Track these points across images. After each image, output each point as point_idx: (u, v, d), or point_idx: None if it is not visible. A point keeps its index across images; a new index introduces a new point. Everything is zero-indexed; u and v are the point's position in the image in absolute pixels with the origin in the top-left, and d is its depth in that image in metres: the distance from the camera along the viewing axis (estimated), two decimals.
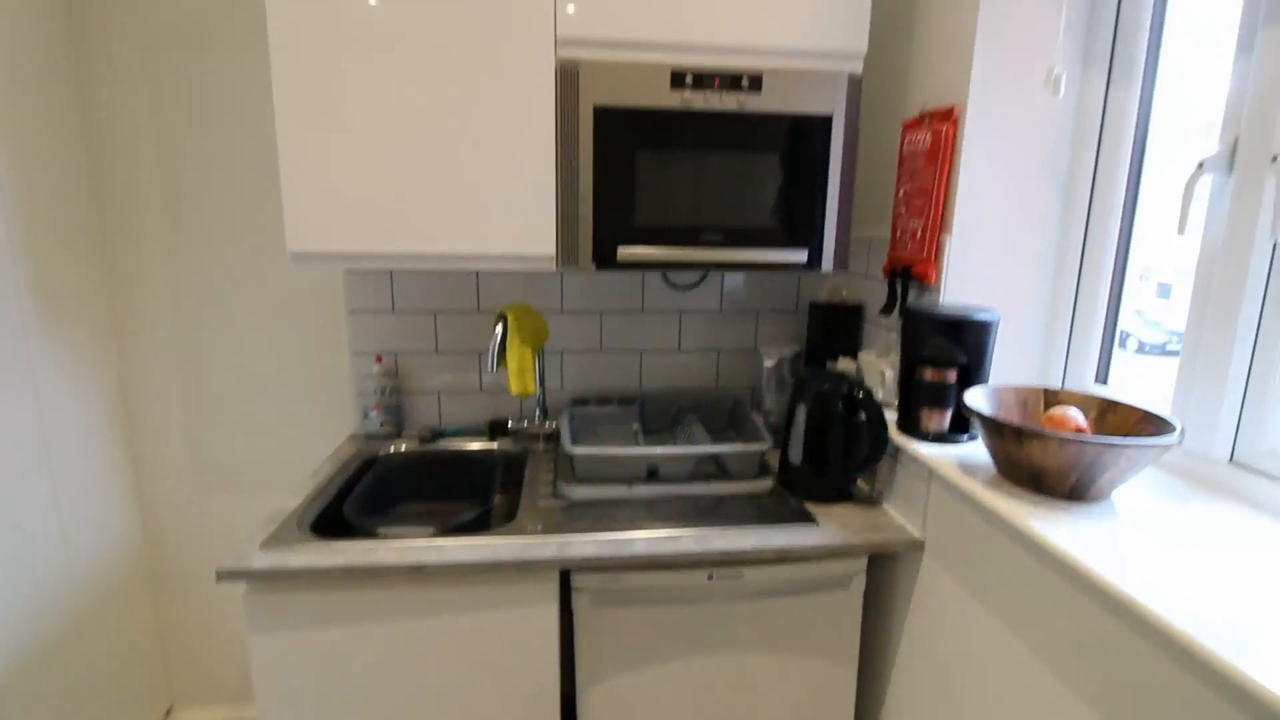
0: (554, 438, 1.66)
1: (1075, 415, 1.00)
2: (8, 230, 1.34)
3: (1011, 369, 1.34)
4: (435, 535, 1.19)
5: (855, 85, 1.31)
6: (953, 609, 1.12)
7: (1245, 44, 0.95)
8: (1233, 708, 0.64)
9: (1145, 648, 0.74)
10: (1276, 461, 0.94)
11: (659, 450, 1.39)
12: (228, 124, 1.57)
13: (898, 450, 1.27)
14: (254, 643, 1.11)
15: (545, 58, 1.25)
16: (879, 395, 1.37)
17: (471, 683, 1.18)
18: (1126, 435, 1.00)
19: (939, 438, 1.20)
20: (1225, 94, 0.98)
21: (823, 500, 1.33)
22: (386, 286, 1.66)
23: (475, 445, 1.64)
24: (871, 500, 1.35)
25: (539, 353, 1.62)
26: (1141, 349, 1.32)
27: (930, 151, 1.27)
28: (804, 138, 1.31)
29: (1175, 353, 1.06)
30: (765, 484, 1.38)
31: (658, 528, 1.22)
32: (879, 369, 1.39)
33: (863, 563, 1.25)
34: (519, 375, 1.45)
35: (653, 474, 1.39)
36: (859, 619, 1.28)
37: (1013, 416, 1.10)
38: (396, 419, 1.68)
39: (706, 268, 1.38)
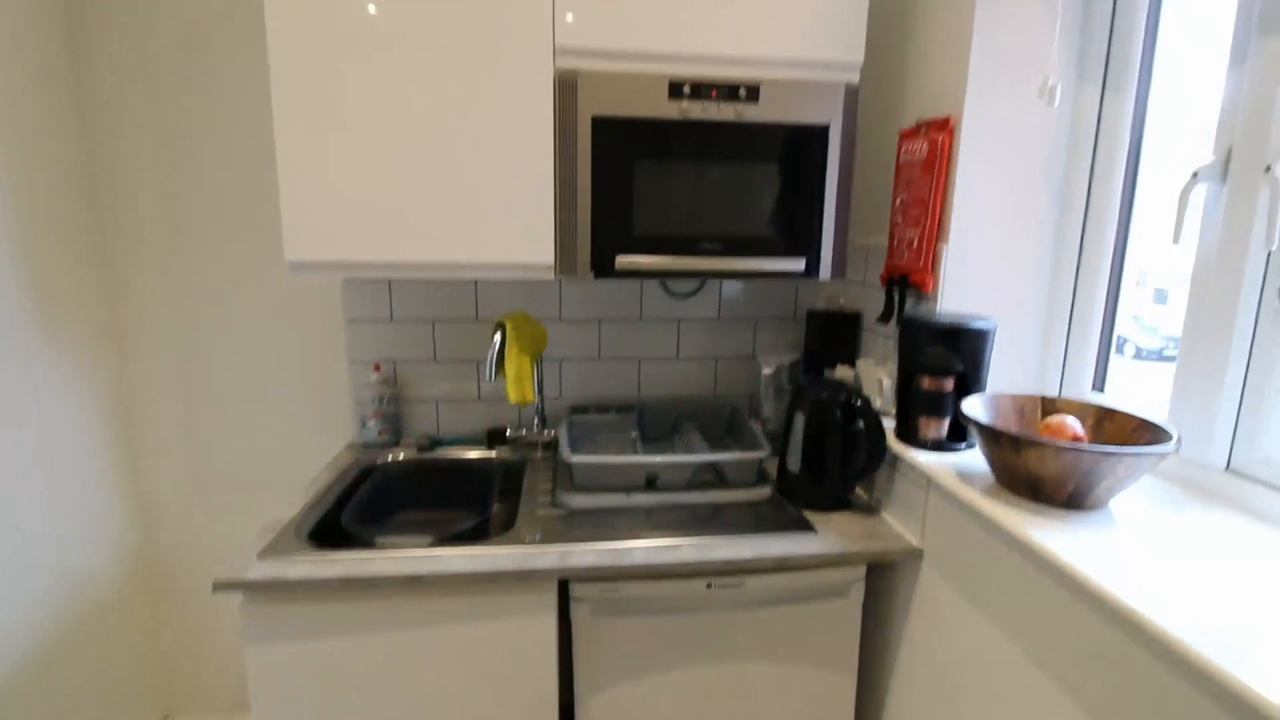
0: (552, 446, 1.66)
1: (1072, 424, 1.00)
2: (7, 232, 1.34)
3: (1009, 377, 1.34)
4: (433, 545, 1.18)
5: (852, 95, 1.32)
6: (951, 617, 1.12)
7: (1238, 54, 0.96)
8: (1230, 716, 0.64)
9: (1143, 656, 0.74)
10: (1273, 469, 0.94)
11: (658, 459, 1.39)
12: (227, 129, 1.58)
13: (896, 458, 1.27)
14: (250, 653, 1.11)
15: (544, 68, 1.26)
16: (877, 403, 1.38)
17: (470, 693, 1.17)
18: (1124, 443, 1.00)
19: (937, 446, 1.20)
20: (1219, 103, 0.99)
21: (821, 508, 1.33)
22: (385, 295, 1.66)
23: (473, 454, 1.64)
24: (870, 508, 1.35)
25: (537, 361, 1.62)
26: (1139, 354, 1.32)
27: (927, 161, 1.28)
28: (801, 147, 1.32)
29: (1172, 358, 1.07)
30: (764, 492, 1.38)
31: (656, 536, 1.21)
32: (877, 377, 1.40)
33: (861, 571, 1.25)
34: (517, 384, 1.45)
35: (651, 482, 1.39)
36: (858, 627, 1.28)
37: (1010, 425, 1.10)
38: (395, 427, 1.68)
39: (705, 276, 1.38)
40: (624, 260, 1.31)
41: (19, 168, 1.37)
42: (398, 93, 1.24)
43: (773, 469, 1.47)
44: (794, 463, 1.35)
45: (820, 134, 1.32)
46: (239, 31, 1.53)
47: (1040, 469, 0.94)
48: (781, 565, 1.19)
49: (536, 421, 1.67)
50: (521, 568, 1.12)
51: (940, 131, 1.25)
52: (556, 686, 1.20)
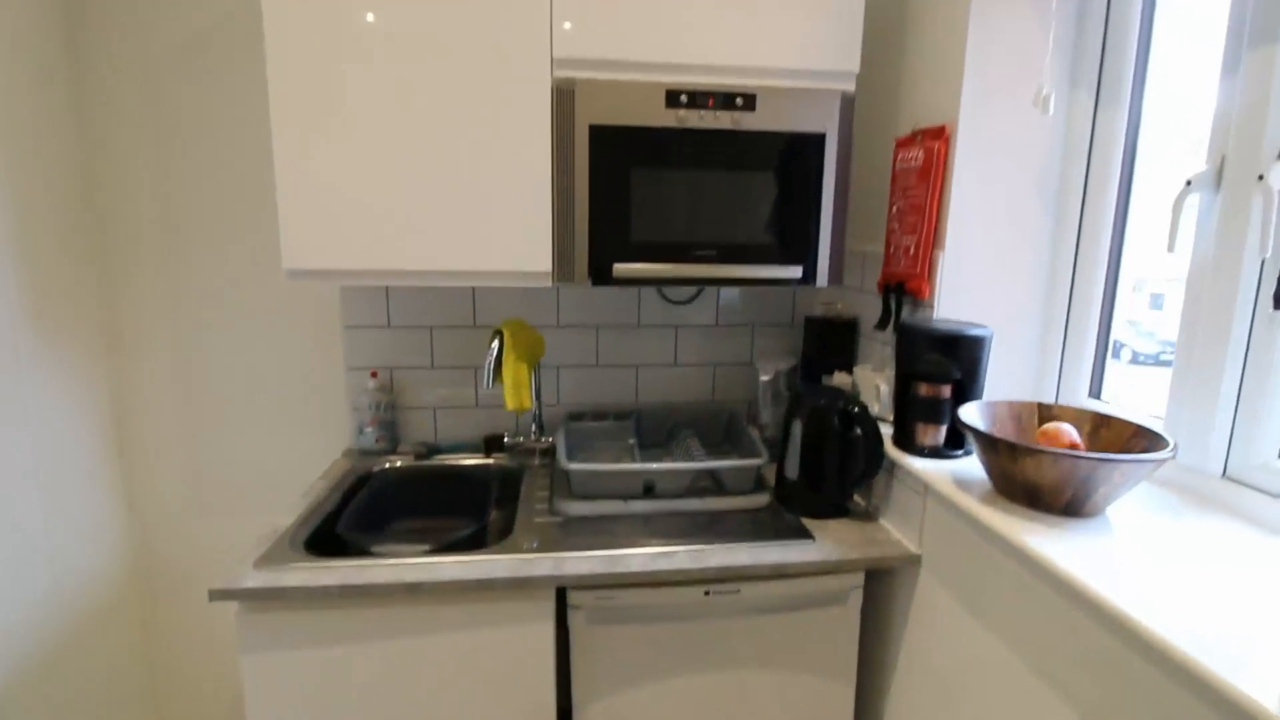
0: (550, 453, 1.66)
1: (1069, 431, 1.00)
2: (4, 233, 1.34)
3: (1005, 383, 1.35)
4: (430, 553, 1.18)
5: (848, 104, 1.32)
6: (950, 624, 1.12)
7: (1230, 64, 0.97)
8: None
9: (1141, 663, 0.74)
10: (1269, 476, 0.94)
11: (655, 466, 1.39)
12: (226, 131, 1.58)
13: (893, 465, 1.27)
14: (246, 663, 1.10)
15: (541, 78, 1.26)
16: (874, 410, 1.38)
17: (467, 701, 1.17)
18: (1120, 450, 1.00)
19: (934, 453, 1.21)
20: (1212, 111, 0.99)
21: (819, 515, 1.33)
22: (382, 302, 1.66)
23: (471, 461, 1.64)
24: (868, 515, 1.35)
25: (535, 368, 1.62)
26: (1136, 359, 1.32)
27: (923, 169, 1.29)
28: (798, 155, 1.32)
29: (1169, 363, 1.07)
30: (762, 499, 1.38)
31: (654, 544, 1.21)
32: (874, 383, 1.40)
33: (860, 578, 1.25)
34: (515, 390, 1.45)
35: (649, 489, 1.38)
36: (856, 634, 1.28)
37: (1007, 432, 1.11)
38: (391, 434, 1.68)
39: (702, 284, 1.38)
40: (621, 268, 1.32)
41: (17, 168, 1.37)
42: (395, 101, 1.24)
43: (771, 476, 1.47)
44: (792, 470, 1.35)
45: (817, 142, 1.32)
46: (239, 33, 1.54)
47: (1037, 476, 0.94)
48: (779, 572, 1.18)
49: (534, 428, 1.67)
50: (518, 575, 1.11)
51: (936, 140, 1.26)
52: (554, 694, 1.19)
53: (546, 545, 1.20)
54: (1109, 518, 0.96)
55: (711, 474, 1.47)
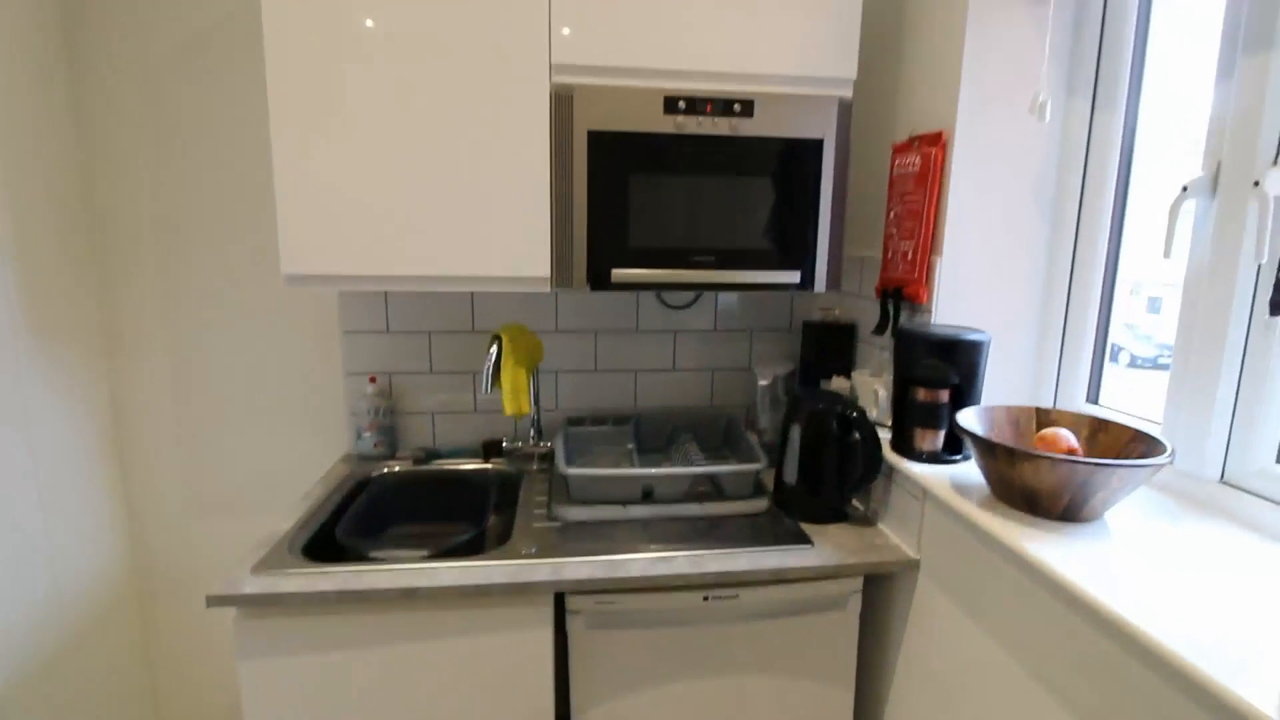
0: (548, 458, 1.66)
1: (1067, 436, 1.01)
2: (1, 237, 1.34)
3: (1003, 388, 1.35)
4: (428, 558, 1.18)
5: (845, 109, 1.33)
6: (949, 629, 1.12)
7: (1225, 70, 0.98)
8: None
9: (1139, 668, 0.74)
10: (1266, 481, 0.95)
11: (654, 471, 1.39)
12: (225, 133, 1.58)
13: (892, 470, 1.27)
14: (244, 669, 1.10)
15: (540, 83, 1.27)
16: (873, 414, 1.38)
17: (465, 707, 1.17)
18: (1118, 455, 1.00)
19: (933, 458, 1.21)
20: (1207, 117, 1.00)
21: (818, 520, 1.33)
22: (381, 307, 1.66)
23: (469, 466, 1.64)
24: (866, 520, 1.35)
25: (533, 373, 1.62)
26: (1133, 363, 1.33)
27: (920, 174, 1.29)
28: (795, 161, 1.33)
29: (1167, 366, 1.07)
30: (761, 504, 1.38)
31: (653, 549, 1.21)
32: (872, 388, 1.40)
33: (858, 583, 1.25)
34: (513, 395, 1.45)
35: (648, 495, 1.38)
36: (855, 639, 1.28)
37: (1005, 437, 1.11)
38: (390, 439, 1.68)
39: (700, 289, 1.38)
40: (620, 273, 1.32)
41: (15, 168, 1.37)
42: (394, 107, 1.25)
43: (769, 481, 1.47)
44: (790, 474, 1.35)
45: (814, 148, 1.33)
46: (238, 33, 1.54)
47: (1035, 481, 0.94)
48: (778, 577, 1.18)
49: (532, 433, 1.67)
50: (517, 581, 1.11)
51: (933, 146, 1.27)
52: (552, 700, 1.19)
53: (545, 550, 1.20)
54: (1107, 523, 0.96)
55: (710, 479, 1.47)
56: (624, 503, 1.36)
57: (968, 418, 1.09)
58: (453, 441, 1.74)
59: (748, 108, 1.29)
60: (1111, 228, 1.24)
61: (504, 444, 1.68)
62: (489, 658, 1.15)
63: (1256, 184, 0.92)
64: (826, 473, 1.31)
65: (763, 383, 1.66)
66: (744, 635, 1.23)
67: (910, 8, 1.38)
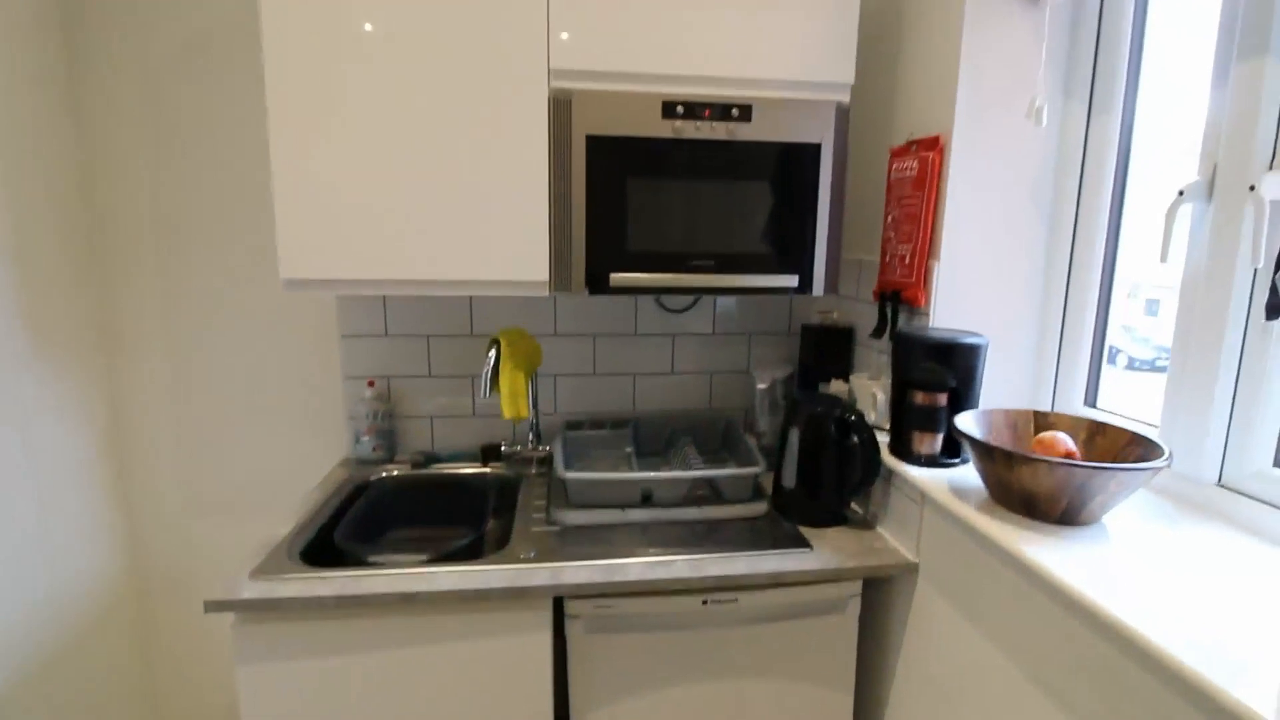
0: (547, 462, 1.66)
1: (1064, 439, 1.01)
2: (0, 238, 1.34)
3: (1002, 391, 1.35)
4: (427, 563, 1.18)
5: (843, 114, 1.33)
6: (947, 632, 1.12)
7: (1220, 76, 0.98)
8: None
9: (1137, 671, 0.74)
10: (1263, 484, 0.95)
11: (653, 475, 1.39)
12: (224, 135, 1.58)
13: (890, 473, 1.27)
14: (242, 674, 1.09)
15: (538, 88, 1.27)
16: (871, 418, 1.38)
17: (464, 712, 1.16)
18: (1116, 458, 1.01)
19: (931, 461, 1.21)
20: (1203, 122, 1.00)
21: (817, 524, 1.33)
22: (379, 311, 1.66)
23: (468, 470, 1.63)
24: (865, 524, 1.35)
25: (532, 376, 1.62)
26: (1131, 365, 1.33)
27: (917, 178, 1.30)
28: (793, 165, 1.33)
29: (1165, 368, 1.08)
30: (759, 507, 1.38)
31: (652, 553, 1.21)
32: (871, 391, 1.40)
33: (857, 586, 1.25)
34: (512, 399, 1.45)
35: (646, 498, 1.38)
36: (854, 643, 1.28)
37: (1003, 440, 1.11)
38: (389, 443, 1.68)
39: (699, 293, 1.39)
40: (618, 277, 1.32)
41: (15, 168, 1.36)
42: (392, 112, 1.25)
43: (768, 484, 1.47)
44: (789, 478, 1.35)
45: (812, 152, 1.33)
46: (238, 35, 1.54)
47: (1034, 485, 0.94)
48: (777, 581, 1.18)
49: (531, 437, 1.67)
50: (515, 585, 1.11)
51: (930, 150, 1.27)
52: (551, 704, 1.19)
53: (544, 554, 1.20)
54: (1105, 526, 0.96)
55: (709, 482, 1.47)
56: (623, 506, 1.36)
57: (966, 421, 1.09)
58: (451, 445, 1.74)
59: (746, 112, 1.30)
60: (1109, 231, 1.24)
61: (503, 448, 1.68)
62: (488, 662, 1.15)
63: (1252, 188, 0.92)
64: (825, 476, 1.31)
65: (761, 386, 1.67)
66: (743, 639, 1.23)
67: (907, 12, 1.38)
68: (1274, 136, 0.92)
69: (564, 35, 1.25)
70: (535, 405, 1.68)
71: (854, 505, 1.42)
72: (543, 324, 1.72)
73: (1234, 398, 0.98)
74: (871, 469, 1.26)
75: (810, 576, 1.18)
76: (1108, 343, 1.27)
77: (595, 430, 1.69)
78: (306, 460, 1.73)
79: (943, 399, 1.19)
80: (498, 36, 1.25)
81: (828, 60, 1.32)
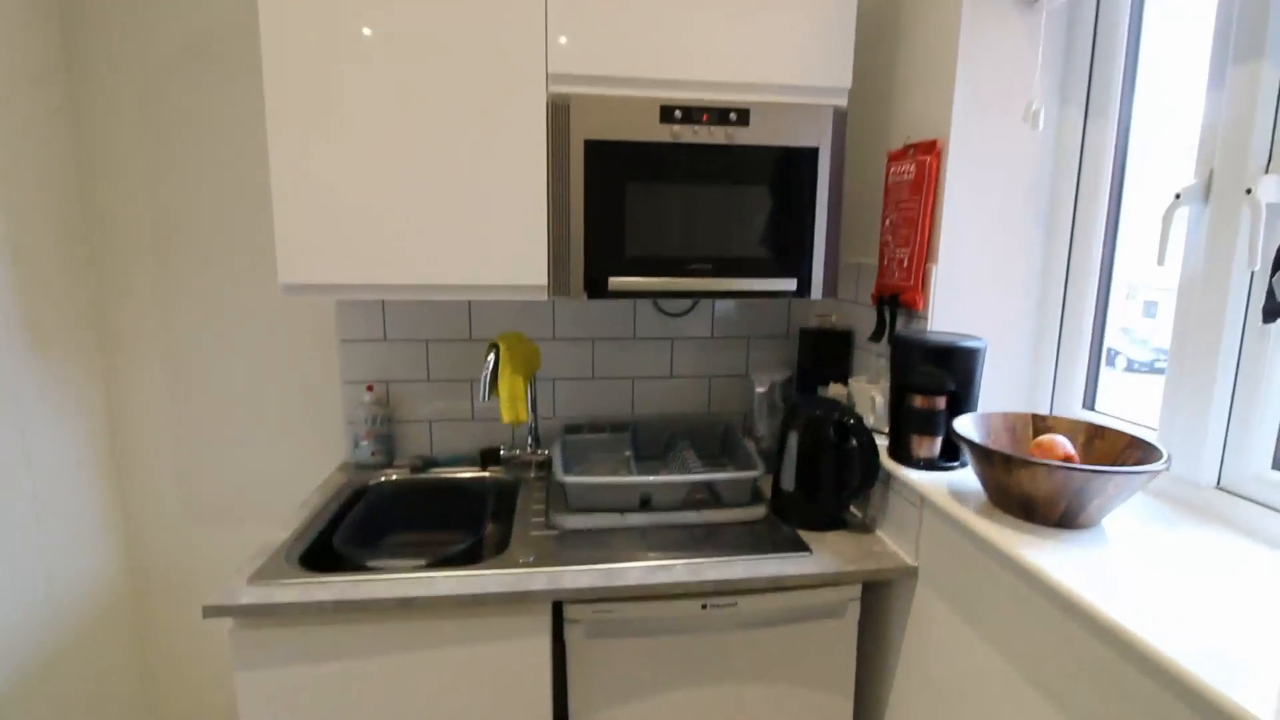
0: (546, 466, 1.65)
1: (1063, 442, 1.01)
2: None
3: (1000, 394, 1.35)
4: (425, 567, 1.18)
5: (840, 118, 1.34)
6: (947, 636, 1.12)
7: (1216, 79, 0.98)
8: None
9: (1136, 674, 0.74)
10: (1261, 486, 0.95)
11: (651, 479, 1.39)
12: (223, 140, 1.58)
13: (889, 477, 1.27)
14: (240, 679, 1.09)
15: (537, 93, 1.27)
16: (870, 421, 1.38)
17: (463, 717, 1.16)
18: (1114, 461, 1.01)
19: (930, 465, 1.21)
20: (1199, 124, 1.01)
21: (816, 527, 1.33)
22: (378, 315, 1.66)
23: (467, 474, 1.63)
24: (864, 527, 1.35)
25: (531, 380, 1.62)
26: (1130, 367, 1.33)
27: (915, 182, 1.30)
28: (791, 169, 1.33)
29: (1163, 370, 1.08)
30: (758, 511, 1.38)
31: (651, 557, 1.21)
32: (869, 395, 1.40)
33: (857, 590, 1.24)
34: (511, 403, 1.45)
35: (645, 502, 1.38)
36: (854, 647, 1.28)
37: (1002, 443, 1.11)
38: (387, 448, 1.67)
39: (697, 296, 1.39)
40: (617, 281, 1.32)
41: (13, 171, 1.36)
42: (390, 116, 1.25)
43: (767, 488, 1.47)
44: (788, 481, 1.35)
45: (810, 156, 1.33)
46: (237, 38, 1.54)
47: (1032, 488, 0.94)
48: (777, 585, 1.18)
49: (530, 441, 1.67)
50: (514, 590, 1.11)
51: (928, 154, 1.27)
52: (551, 709, 1.19)
53: (543, 559, 1.20)
54: (1104, 529, 0.96)
55: (708, 486, 1.47)
56: (622, 510, 1.36)
57: (964, 424, 1.09)
58: (450, 449, 1.74)
59: (743, 117, 1.30)
60: (1106, 233, 1.24)
61: (501, 452, 1.67)
62: (487, 667, 1.15)
63: (1249, 191, 0.92)
64: (824, 480, 1.31)
65: (760, 389, 1.67)
66: (742, 643, 1.23)
67: (904, 17, 1.39)
68: (1270, 140, 0.92)
69: (562, 39, 1.26)
70: (534, 409, 1.68)
71: (853, 509, 1.42)
72: (541, 328, 1.72)
73: (1232, 401, 0.98)
74: (870, 472, 1.26)
75: (809, 580, 1.18)
76: (1106, 345, 1.27)
77: (594, 434, 1.69)
78: (305, 464, 1.73)
79: (941, 402, 1.19)
80: (496, 40, 1.25)
81: (825, 64, 1.32)
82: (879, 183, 1.47)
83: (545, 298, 1.35)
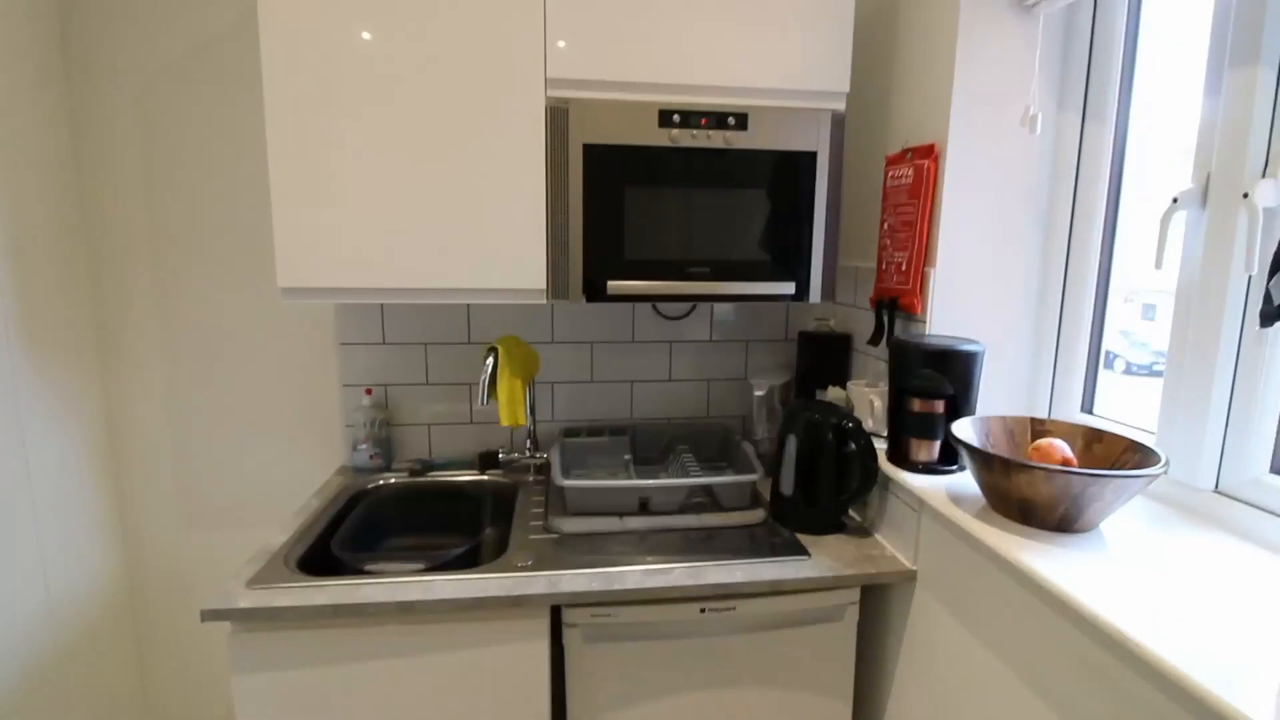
0: (544, 469, 1.65)
1: (1061, 446, 1.01)
2: None
3: (999, 398, 1.35)
4: (423, 571, 1.17)
5: (839, 122, 1.34)
6: (945, 640, 1.12)
7: (1213, 84, 0.99)
8: None
9: (1135, 678, 0.74)
10: (1260, 490, 0.95)
11: (650, 483, 1.38)
12: (221, 147, 1.58)
13: (888, 481, 1.27)
14: (238, 684, 1.09)
15: (535, 97, 1.27)
16: (868, 425, 1.38)
17: None
18: (1113, 465, 1.01)
19: (928, 468, 1.21)
20: (1196, 129, 1.01)
21: (814, 531, 1.33)
22: (377, 319, 1.66)
23: (465, 477, 1.63)
24: (863, 531, 1.35)
25: (529, 384, 1.62)
26: (1129, 370, 1.33)
27: (913, 186, 1.30)
28: (789, 173, 1.34)
29: (1162, 373, 1.08)
30: (757, 515, 1.38)
31: (650, 561, 1.21)
32: (868, 398, 1.40)
33: (856, 594, 1.24)
34: (509, 407, 1.45)
35: (644, 506, 1.38)
36: (853, 651, 1.27)
37: (1000, 447, 1.11)
38: (386, 451, 1.67)
39: (695, 300, 1.39)
40: (615, 285, 1.32)
41: (10, 179, 1.36)
42: (390, 121, 1.25)
43: (766, 491, 1.47)
44: (787, 485, 1.35)
45: (808, 160, 1.34)
46: (237, 42, 1.54)
47: (1031, 492, 0.94)
48: (775, 589, 1.18)
49: (528, 445, 1.67)
50: (513, 594, 1.11)
51: (926, 158, 1.28)
52: (549, 713, 1.18)
53: (541, 563, 1.20)
54: (1102, 533, 0.96)
55: (707, 490, 1.47)
56: (620, 514, 1.35)
57: (963, 428, 1.09)
58: (449, 453, 1.74)
59: (742, 121, 1.30)
60: (1104, 237, 1.25)
61: (500, 455, 1.67)
62: (485, 671, 1.15)
63: (1246, 196, 0.93)
64: (823, 483, 1.31)
65: (759, 393, 1.67)
66: (741, 647, 1.23)
67: (902, 22, 1.39)
68: (1267, 144, 0.92)
69: (561, 44, 1.26)
70: (532, 413, 1.68)
71: (852, 513, 1.41)
72: (540, 332, 1.72)
73: (1230, 405, 0.98)
74: (869, 476, 1.26)
75: (808, 584, 1.18)
76: (1105, 348, 1.28)
77: (593, 438, 1.69)
78: (303, 468, 1.73)
79: (940, 406, 1.19)
80: (496, 45, 1.25)
81: (823, 69, 1.32)
82: (877, 187, 1.47)
83: (544, 301, 1.35)
